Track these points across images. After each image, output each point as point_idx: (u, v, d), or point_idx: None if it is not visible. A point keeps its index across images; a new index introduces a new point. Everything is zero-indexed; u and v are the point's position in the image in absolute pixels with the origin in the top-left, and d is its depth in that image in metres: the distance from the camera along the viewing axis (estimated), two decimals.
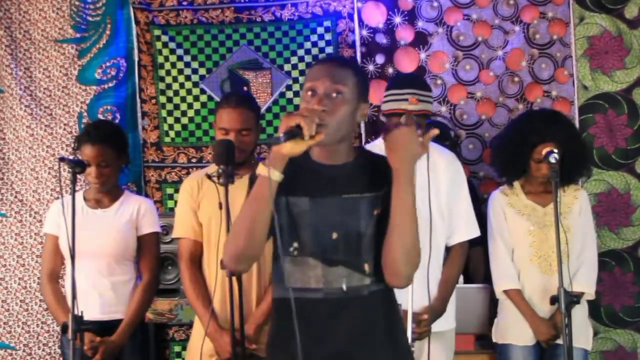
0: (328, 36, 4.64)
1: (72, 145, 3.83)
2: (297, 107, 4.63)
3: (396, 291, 3.39)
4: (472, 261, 4.16)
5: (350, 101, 2.17)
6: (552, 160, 3.19)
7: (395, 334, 2.28)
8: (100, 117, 4.66)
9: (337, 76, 2.17)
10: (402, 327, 2.37)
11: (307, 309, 2.15)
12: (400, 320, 2.37)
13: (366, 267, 2.19)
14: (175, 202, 4.12)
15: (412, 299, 2.92)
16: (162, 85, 4.71)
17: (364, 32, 4.63)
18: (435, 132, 2.25)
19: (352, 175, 2.22)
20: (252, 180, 2.19)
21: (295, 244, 2.19)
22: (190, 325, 3.55)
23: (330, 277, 2.18)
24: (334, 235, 2.18)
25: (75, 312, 3.06)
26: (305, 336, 2.04)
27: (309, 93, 2.16)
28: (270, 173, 2.05)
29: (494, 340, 3.75)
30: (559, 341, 3.45)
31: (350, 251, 2.19)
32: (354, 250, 2.19)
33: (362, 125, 4.60)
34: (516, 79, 4.59)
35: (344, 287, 2.18)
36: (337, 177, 2.22)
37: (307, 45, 4.64)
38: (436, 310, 3.28)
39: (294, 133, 2.02)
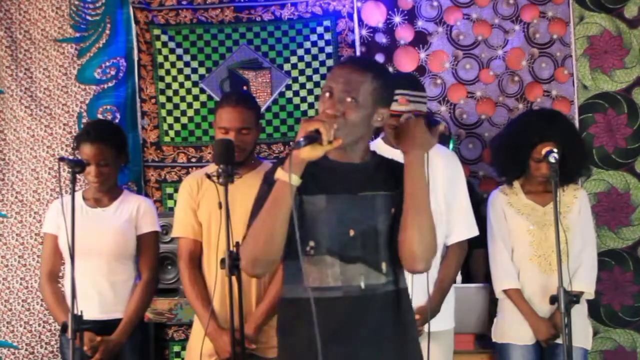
0: (327, 36, 4.64)
1: (72, 145, 3.83)
2: (297, 106, 4.64)
3: None
4: (474, 263, 4.16)
5: (364, 106, 2.20)
6: (552, 160, 3.19)
7: (406, 336, 2.30)
8: (100, 116, 4.66)
9: (353, 82, 2.20)
10: (414, 329, 2.38)
11: (325, 308, 2.15)
12: (413, 322, 2.38)
13: (383, 265, 2.23)
14: (175, 201, 4.12)
15: (411, 299, 2.91)
16: (161, 85, 4.71)
17: (364, 32, 4.63)
18: (443, 126, 2.33)
19: (367, 173, 2.27)
20: (268, 181, 2.20)
21: (312, 243, 2.20)
22: (189, 325, 3.55)
23: (348, 274, 2.20)
24: (352, 233, 2.21)
25: (75, 312, 3.06)
26: (322, 336, 2.04)
27: (327, 94, 2.20)
28: (290, 178, 2.07)
29: (493, 339, 3.75)
30: (559, 341, 3.45)
31: (368, 248, 2.21)
32: (372, 248, 2.22)
33: None
34: (516, 78, 4.59)
35: (362, 284, 2.20)
36: (353, 175, 2.25)
37: (307, 44, 4.64)
38: (430, 309, 3.27)
39: (313, 138, 2.06)
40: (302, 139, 2.04)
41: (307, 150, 2.06)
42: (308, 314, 2.05)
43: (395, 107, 3.26)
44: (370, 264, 2.22)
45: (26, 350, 4.60)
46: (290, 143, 2.04)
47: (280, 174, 2.11)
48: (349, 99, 2.18)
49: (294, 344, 2.25)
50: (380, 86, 2.25)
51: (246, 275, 2.32)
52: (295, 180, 2.09)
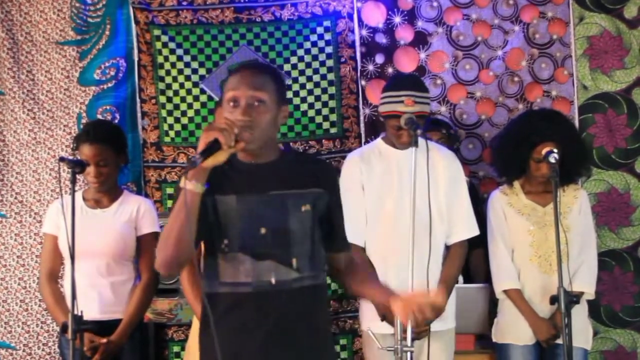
0: (328, 36, 4.64)
1: (72, 146, 3.83)
2: (297, 107, 4.64)
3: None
4: (473, 263, 4.17)
5: (272, 108, 2.29)
6: (552, 160, 3.20)
7: (319, 331, 2.38)
8: (99, 117, 4.65)
9: (257, 85, 2.27)
10: (328, 325, 2.50)
11: (237, 302, 2.27)
12: (327, 318, 2.53)
13: (294, 261, 2.30)
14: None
15: None
16: (161, 85, 4.71)
17: (364, 32, 4.63)
18: None
19: (277, 173, 2.34)
20: (178, 190, 2.26)
21: (226, 241, 2.29)
22: (189, 326, 3.55)
23: (258, 270, 2.28)
24: (263, 231, 2.29)
25: (75, 312, 3.06)
26: (233, 328, 2.23)
27: (231, 104, 2.26)
28: (193, 186, 2.14)
29: (493, 340, 3.75)
30: (559, 341, 3.45)
31: (278, 245, 2.29)
32: (282, 245, 2.30)
33: (362, 125, 4.60)
34: (516, 78, 4.59)
35: (273, 280, 2.28)
36: (262, 175, 2.32)
37: (307, 45, 4.64)
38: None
39: (213, 149, 2.11)
40: (198, 156, 2.08)
41: (210, 159, 2.12)
42: (220, 309, 2.22)
43: (401, 108, 3.27)
44: (281, 260, 2.29)
45: (24, 351, 4.59)
46: (194, 156, 2.12)
47: (182, 182, 2.17)
48: (256, 104, 2.26)
49: (206, 336, 2.31)
50: (280, 85, 2.36)
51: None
52: (199, 188, 2.15)
